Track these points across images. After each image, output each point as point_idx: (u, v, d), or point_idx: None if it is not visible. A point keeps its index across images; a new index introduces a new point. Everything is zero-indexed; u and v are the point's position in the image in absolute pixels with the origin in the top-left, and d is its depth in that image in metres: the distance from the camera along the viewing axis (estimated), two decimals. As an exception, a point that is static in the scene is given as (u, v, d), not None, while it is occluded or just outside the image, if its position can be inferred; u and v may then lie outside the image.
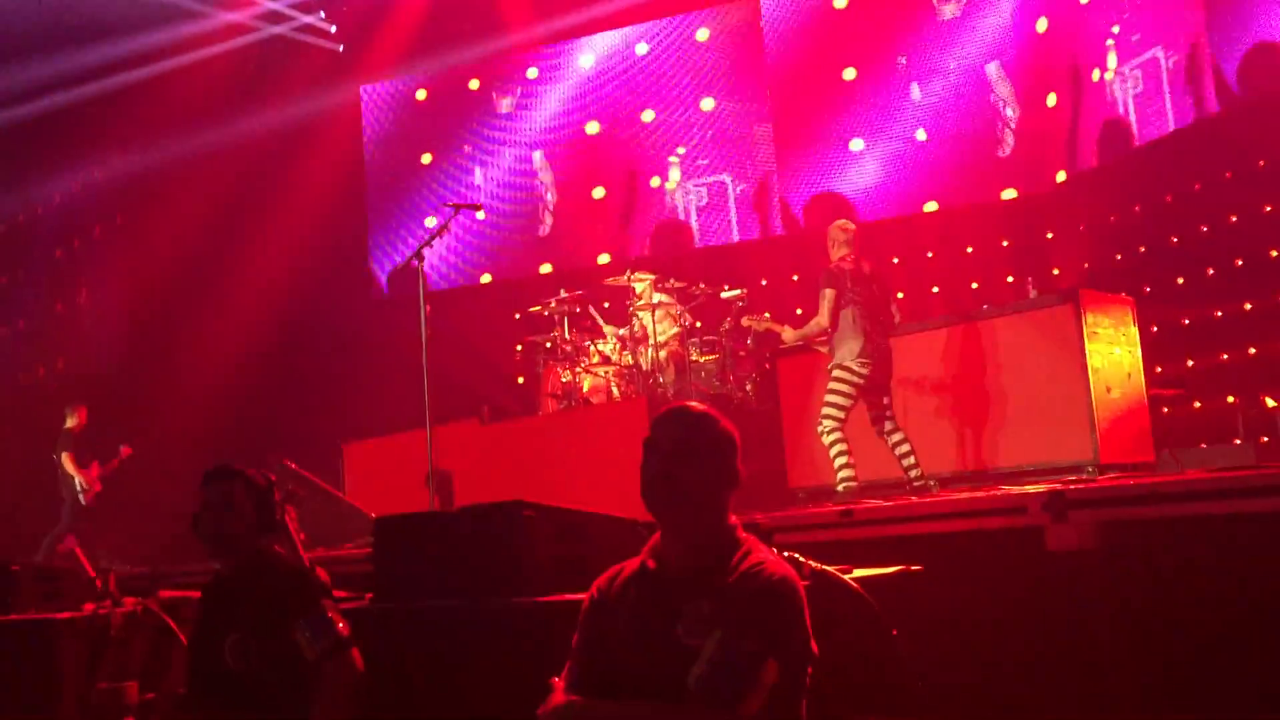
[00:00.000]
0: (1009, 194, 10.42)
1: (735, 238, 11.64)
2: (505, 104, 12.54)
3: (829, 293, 6.67)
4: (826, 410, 6.68)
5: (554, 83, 12.37)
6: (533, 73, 12.46)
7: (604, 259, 11.78)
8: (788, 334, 7.23)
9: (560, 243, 12.20)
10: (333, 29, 12.61)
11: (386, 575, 3.87)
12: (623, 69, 12.12)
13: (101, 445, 11.31)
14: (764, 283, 10.80)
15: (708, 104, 11.79)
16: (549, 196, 12.28)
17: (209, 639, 3.47)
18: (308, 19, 12.40)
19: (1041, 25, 10.32)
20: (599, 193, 12.13)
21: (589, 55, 12.22)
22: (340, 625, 3.31)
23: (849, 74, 11.14)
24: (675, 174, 11.94)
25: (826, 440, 6.68)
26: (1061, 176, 10.09)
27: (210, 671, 3.44)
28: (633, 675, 2.28)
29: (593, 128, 12.18)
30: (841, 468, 6.61)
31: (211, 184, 11.87)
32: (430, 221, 12.19)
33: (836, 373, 6.67)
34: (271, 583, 3.43)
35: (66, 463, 10.39)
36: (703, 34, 11.86)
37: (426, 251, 6.48)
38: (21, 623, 4.46)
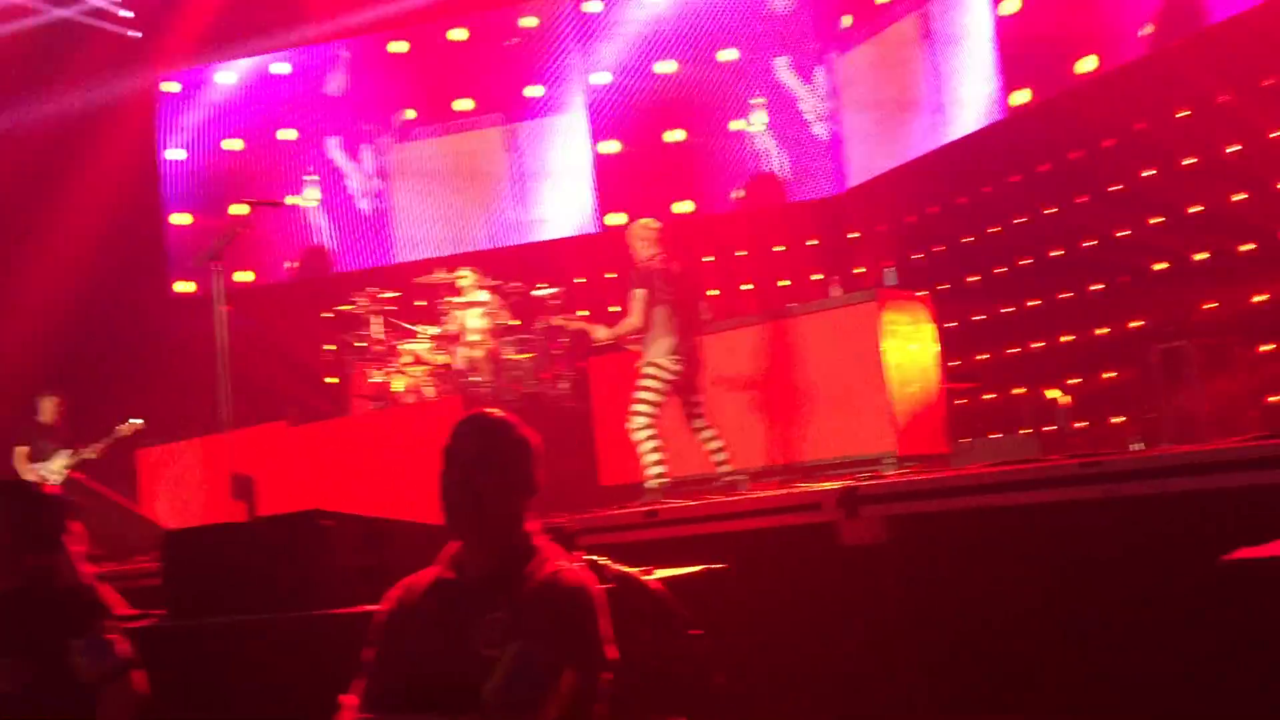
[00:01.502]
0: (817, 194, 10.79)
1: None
2: (333, 85, 12.14)
3: (640, 292, 6.70)
4: (637, 407, 6.71)
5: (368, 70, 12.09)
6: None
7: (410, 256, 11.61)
8: (600, 332, 7.21)
9: (377, 237, 11.94)
10: (129, 15, 11.98)
11: (178, 590, 3.71)
12: (441, 54, 11.93)
13: None
14: (581, 280, 10.83)
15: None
16: (359, 186, 11.98)
17: (-15, 663, 3.25)
18: (101, 3, 11.74)
19: (846, 20, 10.71)
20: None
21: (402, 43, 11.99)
22: (120, 646, 3.14)
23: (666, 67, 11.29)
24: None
25: (638, 438, 6.72)
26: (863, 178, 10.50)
27: (-14, 697, 3.22)
28: (429, 688, 2.24)
29: (411, 114, 11.97)
30: (652, 465, 6.67)
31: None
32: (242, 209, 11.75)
33: (648, 370, 6.70)
34: (46, 603, 3.23)
35: None
36: (459, 34, 11.79)
37: (228, 246, 6.22)
38: None
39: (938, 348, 7.24)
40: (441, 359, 8.41)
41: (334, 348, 9.32)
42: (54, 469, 8.60)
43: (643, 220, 7.08)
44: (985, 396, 8.85)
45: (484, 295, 8.76)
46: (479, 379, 8.33)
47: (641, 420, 6.67)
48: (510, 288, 8.85)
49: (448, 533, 2.47)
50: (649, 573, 3.17)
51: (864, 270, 10.16)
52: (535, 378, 8.54)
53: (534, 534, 2.44)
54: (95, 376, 9.06)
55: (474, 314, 8.60)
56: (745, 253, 10.84)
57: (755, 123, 11.15)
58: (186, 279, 11.65)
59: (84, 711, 3.08)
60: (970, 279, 9.21)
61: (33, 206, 11.09)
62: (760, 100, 11.12)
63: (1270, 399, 7.02)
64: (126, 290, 11.29)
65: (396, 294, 8.78)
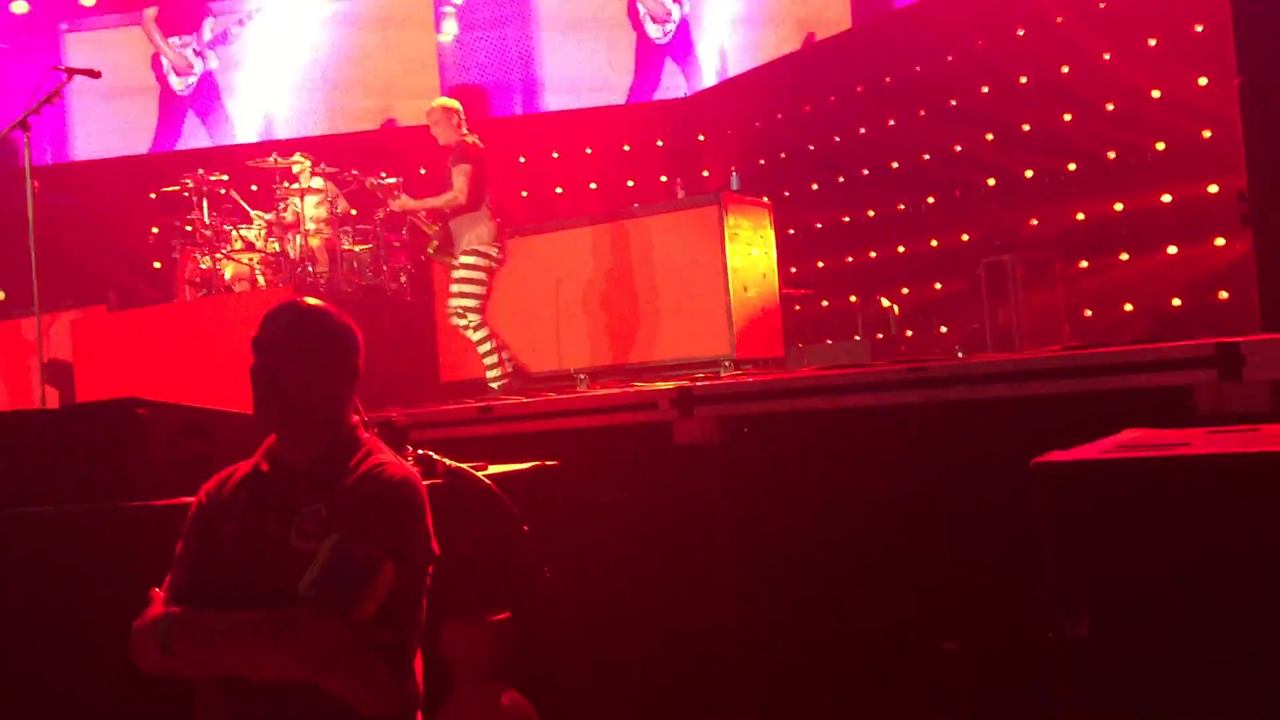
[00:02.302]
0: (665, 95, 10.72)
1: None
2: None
3: (467, 168, 6.52)
4: (464, 303, 6.58)
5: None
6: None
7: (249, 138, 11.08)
8: (403, 201, 7.05)
9: (210, 116, 11.35)
10: None
11: (-21, 480, 3.50)
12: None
13: None
14: (423, 171, 10.54)
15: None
16: (174, 58, 11.33)
17: None
18: None
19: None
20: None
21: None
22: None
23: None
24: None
25: (474, 336, 6.65)
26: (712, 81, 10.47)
27: None
28: (243, 583, 2.17)
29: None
30: (493, 365, 6.62)
31: None
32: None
33: (469, 259, 6.57)
34: None
35: None
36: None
37: (36, 120, 5.80)
38: None
39: (777, 253, 7.34)
40: (274, 247, 8.09)
41: (158, 231, 8.86)
42: None
43: (445, 100, 6.94)
44: (822, 303, 9.05)
45: (319, 182, 8.44)
46: (314, 269, 8.06)
47: (474, 317, 6.59)
48: (348, 176, 8.54)
49: (262, 429, 2.39)
50: (481, 469, 3.16)
51: (709, 174, 10.19)
52: (374, 270, 8.30)
53: (357, 427, 2.37)
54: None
55: (311, 202, 8.28)
56: (591, 150, 10.72)
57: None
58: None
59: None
60: (812, 187, 9.33)
61: None
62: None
63: (1085, 313, 7.38)
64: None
65: (226, 177, 8.36)
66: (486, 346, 6.67)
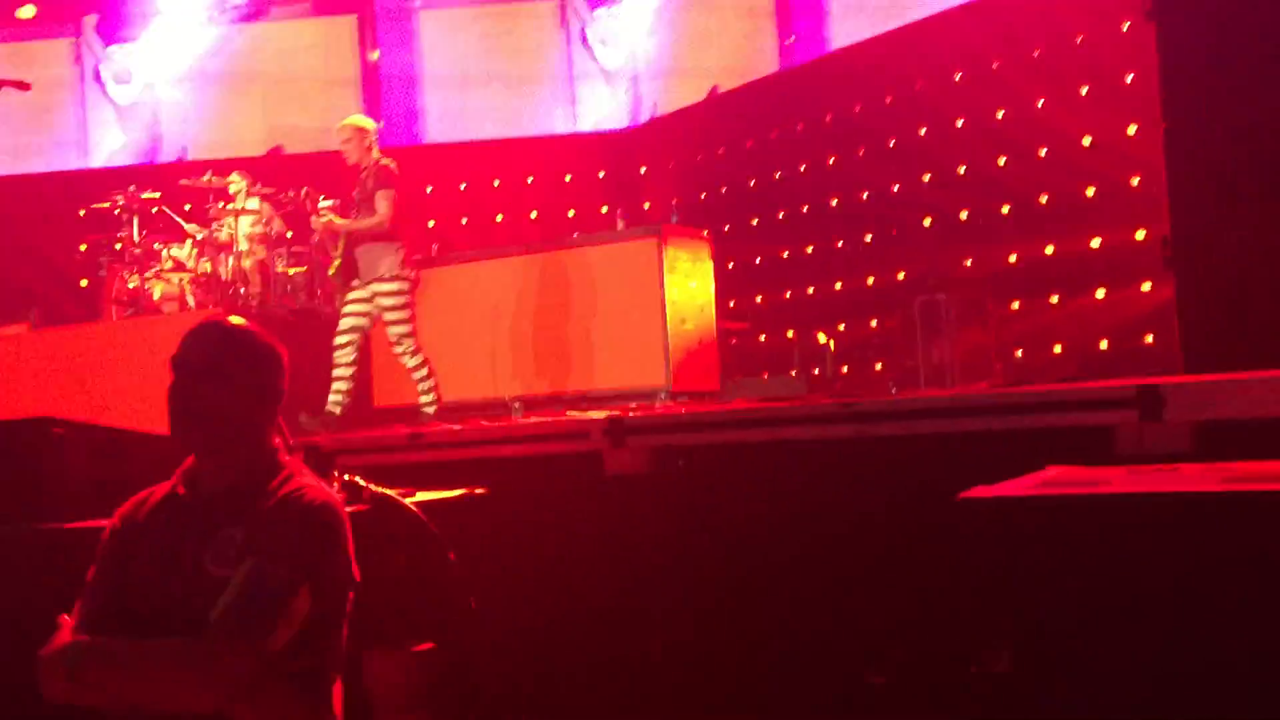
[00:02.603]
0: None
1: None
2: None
3: (390, 192, 6.50)
4: (400, 329, 6.55)
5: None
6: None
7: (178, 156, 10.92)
8: (329, 219, 6.91)
9: (142, 132, 11.18)
10: None
11: (-115, 499, 3.38)
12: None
13: None
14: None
15: None
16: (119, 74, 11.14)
17: None
18: None
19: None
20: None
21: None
22: None
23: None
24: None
25: (411, 362, 6.60)
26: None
27: None
28: (155, 610, 2.11)
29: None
30: (427, 390, 6.57)
31: None
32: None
33: (393, 285, 6.54)
34: None
35: None
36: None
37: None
38: None
39: (715, 287, 7.37)
40: (206, 267, 7.97)
41: (86, 248, 8.70)
42: None
43: (358, 119, 6.90)
44: (759, 338, 9.10)
45: (255, 203, 8.34)
46: (247, 290, 7.95)
47: (410, 342, 6.56)
48: (285, 197, 8.45)
49: (181, 450, 2.33)
50: (409, 495, 3.11)
51: (650, 206, 10.23)
52: (308, 293, 8.21)
53: (279, 450, 2.32)
54: None
55: (245, 222, 8.18)
56: (533, 179, 10.72)
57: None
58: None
59: None
60: (751, 221, 9.40)
61: None
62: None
63: (1016, 352, 7.50)
64: None
65: (158, 194, 8.23)
66: (423, 372, 6.61)
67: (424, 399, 6.60)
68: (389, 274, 6.53)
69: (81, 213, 9.23)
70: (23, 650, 2.34)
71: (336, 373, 6.63)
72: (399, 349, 6.61)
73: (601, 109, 11.02)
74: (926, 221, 8.26)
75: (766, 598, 3.88)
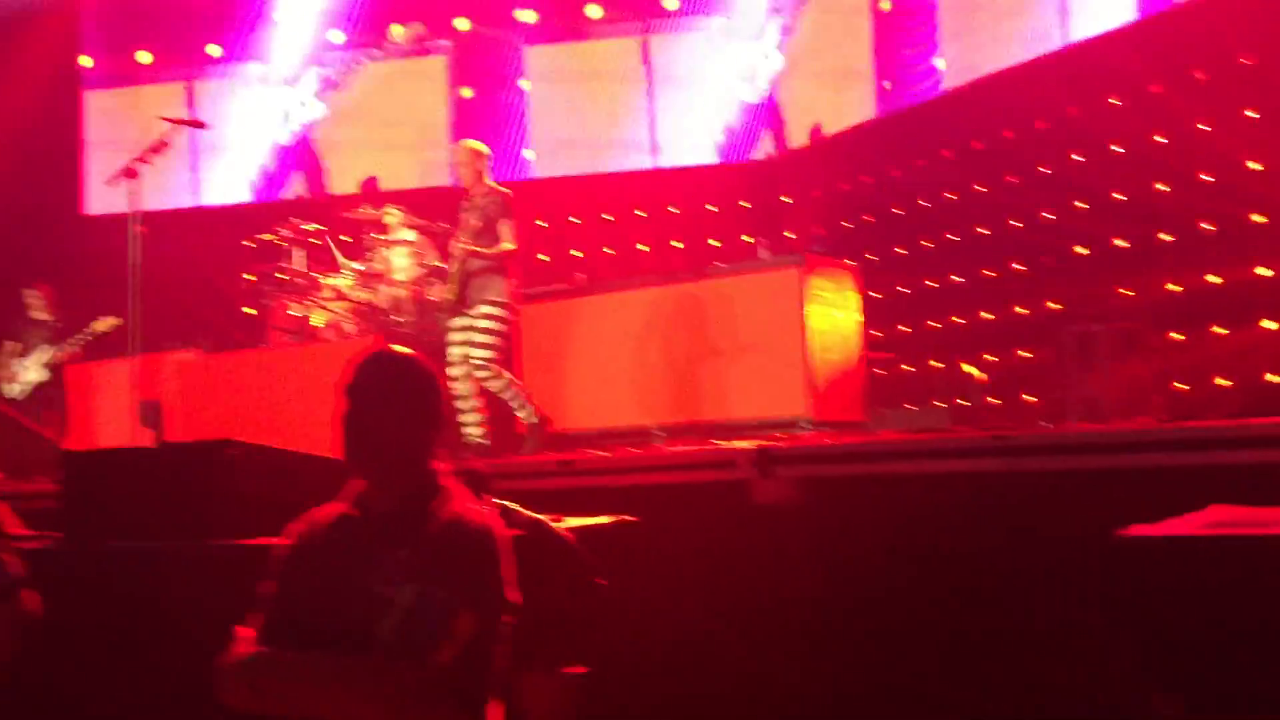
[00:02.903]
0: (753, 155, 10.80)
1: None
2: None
3: (511, 222, 6.56)
4: (487, 355, 6.50)
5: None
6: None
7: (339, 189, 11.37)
8: (465, 244, 6.74)
9: (306, 167, 11.69)
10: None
11: (77, 514, 3.62)
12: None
13: None
14: (544, 224, 10.75)
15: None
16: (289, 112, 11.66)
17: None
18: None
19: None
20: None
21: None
22: (12, 565, 3.07)
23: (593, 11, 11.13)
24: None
25: (496, 385, 6.56)
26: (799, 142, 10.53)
27: None
28: (325, 626, 2.21)
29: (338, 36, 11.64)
30: (520, 406, 6.60)
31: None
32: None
33: (495, 311, 6.55)
34: (-64, 520, 3.15)
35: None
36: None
37: (144, 164, 6.04)
38: None
39: (861, 317, 7.31)
40: (364, 296, 8.27)
41: (253, 278, 9.12)
42: (28, 365, 8.40)
43: (473, 143, 6.94)
44: (904, 368, 8.97)
45: (410, 235, 8.63)
46: (401, 319, 8.22)
47: (496, 369, 6.52)
48: (438, 228, 8.72)
49: (350, 473, 2.44)
50: (559, 520, 3.17)
51: (794, 235, 10.21)
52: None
53: (441, 474, 2.42)
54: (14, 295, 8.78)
55: (399, 253, 8.46)
56: (678, 210, 10.82)
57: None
58: (101, 198, 11.31)
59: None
60: (898, 250, 9.29)
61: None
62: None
63: (1175, 385, 7.22)
64: (37, 209, 10.94)
65: (321, 227, 8.59)
66: (510, 392, 6.62)
67: (528, 419, 6.59)
68: (495, 298, 6.58)
69: (249, 244, 9.73)
70: (199, 658, 2.48)
71: (460, 404, 6.61)
72: (481, 374, 6.57)
73: (743, 139, 11.05)
74: (1081, 250, 8.04)
75: (914, 635, 3.82)
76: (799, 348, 6.67)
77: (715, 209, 10.80)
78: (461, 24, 11.36)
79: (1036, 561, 3.64)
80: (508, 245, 6.60)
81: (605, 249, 10.75)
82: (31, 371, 8.31)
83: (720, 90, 10.96)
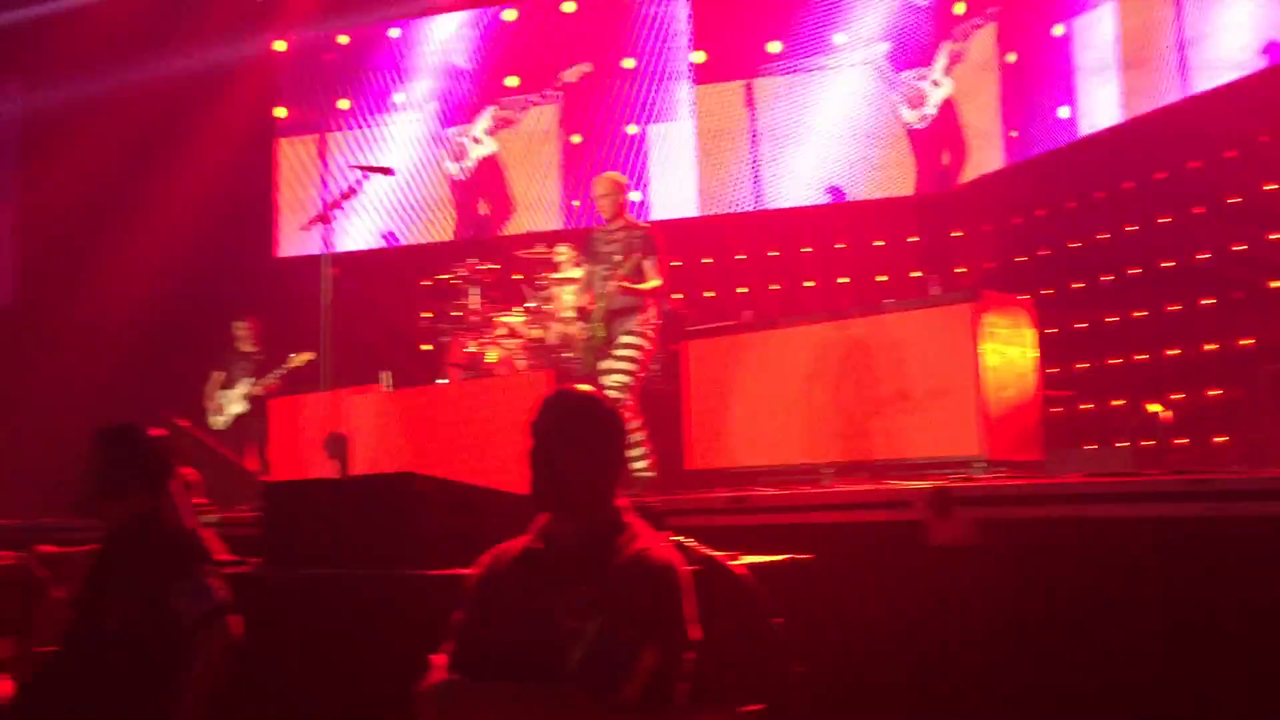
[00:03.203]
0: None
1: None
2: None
3: (657, 257, 6.52)
4: (625, 380, 6.39)
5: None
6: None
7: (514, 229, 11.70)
8: (621, 283, 6.59)
9: (478, 207, 12.07)
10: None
11: (275, 541, 3.83)
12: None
13: None
14: (677, 263, 10.83)
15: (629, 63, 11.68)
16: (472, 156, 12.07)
17: (91, 598, 3.41)
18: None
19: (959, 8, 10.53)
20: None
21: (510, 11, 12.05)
22: (218, 591, 3.26)
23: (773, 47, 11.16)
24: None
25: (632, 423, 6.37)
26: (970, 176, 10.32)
27: (88, 631, 3.38)
28: (512, 656, 2.29)
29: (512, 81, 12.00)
30: (640, 452, 6.46)
31: (118, 128, 11.48)
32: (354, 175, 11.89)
33: (636, 340, 6.47)
34: (152, 545, 3.37)
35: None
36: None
37: (336, 209, 6.36)
38: (-109, 573, 4.31)
39: (1036, 353, 7.10)
40: (536, 333, 8.49)
41: (431, 315, 9.47)
42: (232, 397, 8.88)
43: (615, 174, 6.92)
44: (1082, 406, 8.66)
45: (579, 273, 8.82)
46: (572, 355, 8.39)
47: (625, 395, 6.40)
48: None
49: (536, 508, 2.51)
50: (734, 558, 3.19)
51: (964, 270, 10.01)
52: (627, 358, 8.56)
53: (624, 510, 2.47)
54: (203, 339, 9.32)
55: (569, 291, 8.66)
56: (844, 245, 10.75)
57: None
58: (294, 241, 11.95)
59: (181, 651, 3.20)
60: (1075, 285, 9.01)
61: (146, 169, 11.43)
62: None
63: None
64: (233, 253, 11.61)
65: (495, 266, 8.88)
66: (636, 426, 6.44)
67: (638, 464, 6.46)
68: (636, 327, 6.55)
69: (426, 283, 10.12)
70: (391, 682, 2.59)
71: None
72: (612, 395, 6.30)
73: (907, 173, 10.90)
74: (1275, 284, 7.64)
75: (1104, 684, 3.68)
76: (973, 385, 6.52)
77: (882, 243, 10.68)
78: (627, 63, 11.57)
79: (1228, 613, 3.47)
80: (655, 281, 6.55)
81: (771, 285, 10.74)
82: (235, 404, 8.80)
83: (878, 124, 10.84)
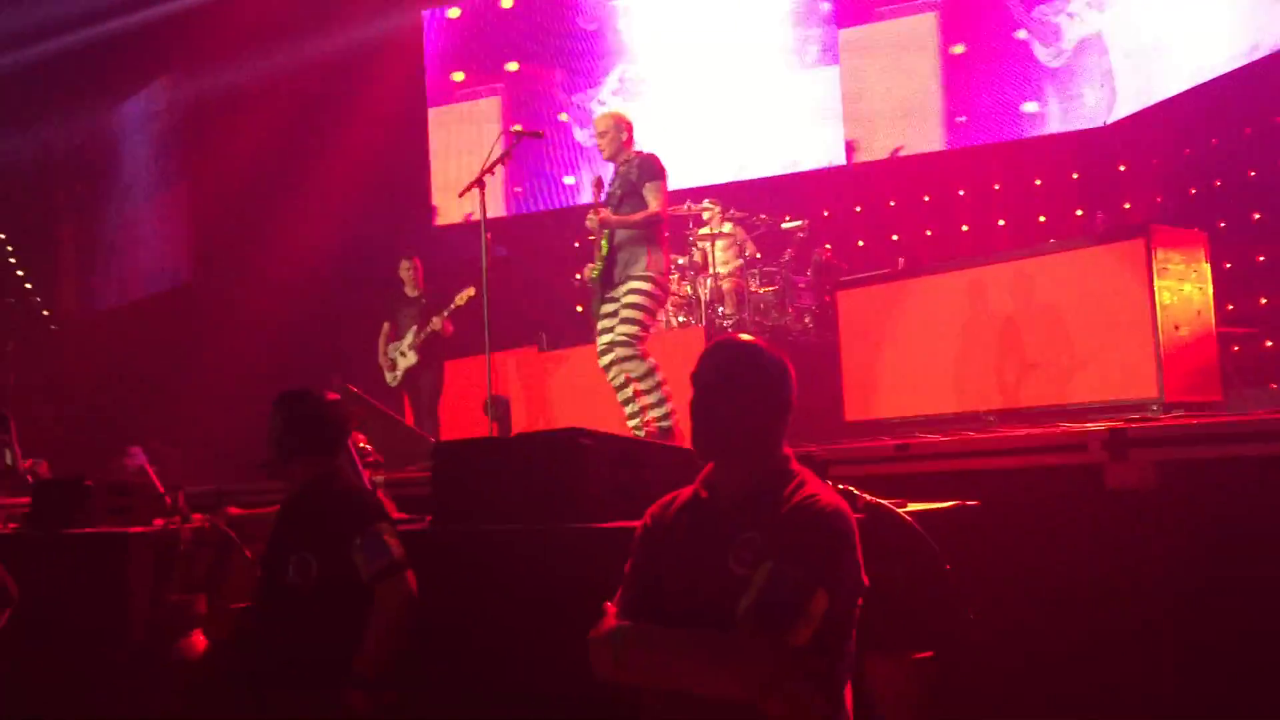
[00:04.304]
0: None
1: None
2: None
3: (659, 184, 6.01)
4: (632, 330, 5.93)
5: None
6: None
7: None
8: (608, 216, 6.16)
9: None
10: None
11: (445, 499, 3.93)
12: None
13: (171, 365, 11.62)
14: (826, 213, 10.68)
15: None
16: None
17: (277, 556, 3.58)
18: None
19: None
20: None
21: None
22: (395, 547, 3.38)
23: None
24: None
25: (638, 372, 6.02)
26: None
27: (275, 587, 3.55)
28: (683, 603, 2.31)
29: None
30: (658, 404, 6.05)
31: (278, 109, 11.95)
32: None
33: (644, 286, 5.98)
34: (331, 504, 3.52)
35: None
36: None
37: (489, 174, 6.45)
38: (94, 536, 4.61)
39: (1212, 289, 6.75)
40: (686, 290, 8.51)
41: (581, 277, 9.57)
42: (404, 348, 8.48)
43: (617, 110, 6.46)
44: (1266, 344, 8.20)
45: (729, 228, 8.79)
46: (723, 311, 8.39)
47: (633, 351, 5.98)
48: (757, 220, 8.84)
49: (699, 458, 2.52)
50: (901, 505, 3.15)
51: (1131, 206, 9.56)
52: (779, 311, 8.52)
53: (790, 458, 2.46)
54: (368, 310, 9.59)
55: (719, 246, 8.64)
56: (999, 186, 10.39)
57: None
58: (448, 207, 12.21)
59: (362, 606, 3.34)
60: (1254, 217, 8.50)
61: (306, 147, 11.84)
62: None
63: None
64: (394, 223, 11.96)
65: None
66: (650, 382, 6.03)
67: (657, 412, 6.07)
68: (641, 272, 6.01)
69: (576, 245, 10.23)
70: (562, 632, 2.65)
71: (621, 396, 6.18)
72: (615, 355, 6.02)
73: (1061, 108, 10.41)
74: None
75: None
76: (1148, 325, 6.24)
77: (1040, 183, 10.27)
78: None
79: None
80: (646, 212, 6.01)
81: (925, 231, 10.49)
82: (406, 356, 8.42)
83: (1029, 58, 10.37)
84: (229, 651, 3.78)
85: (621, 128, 6.26)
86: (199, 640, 4.13)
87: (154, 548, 4.44)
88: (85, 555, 4.56)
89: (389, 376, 8.61)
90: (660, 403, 6.05)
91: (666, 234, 6.20)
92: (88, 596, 4.48)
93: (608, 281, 6.15)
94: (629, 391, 6.17)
